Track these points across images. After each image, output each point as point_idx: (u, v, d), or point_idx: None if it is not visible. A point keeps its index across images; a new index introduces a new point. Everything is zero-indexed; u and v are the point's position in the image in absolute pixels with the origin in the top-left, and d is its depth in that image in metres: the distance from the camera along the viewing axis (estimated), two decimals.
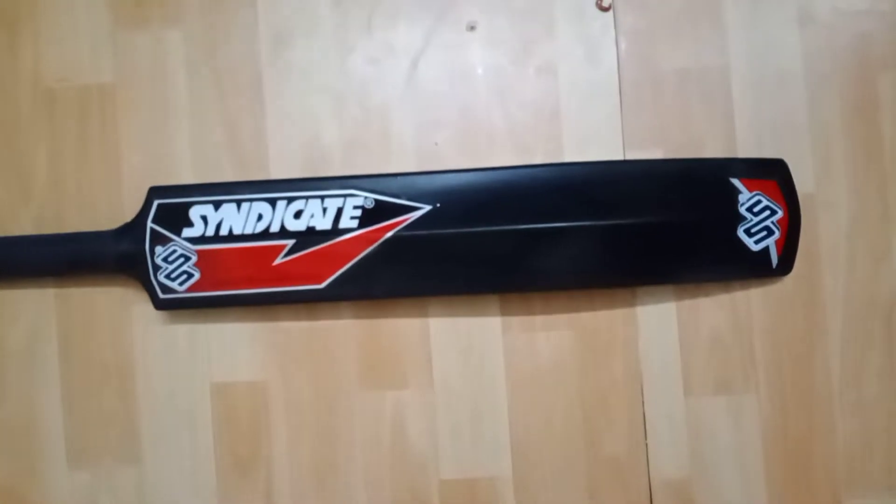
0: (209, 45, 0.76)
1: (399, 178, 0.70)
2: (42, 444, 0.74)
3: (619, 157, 0.74)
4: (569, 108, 0.75)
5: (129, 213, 0.73)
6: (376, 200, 0.70)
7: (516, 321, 0.74)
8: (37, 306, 0.75)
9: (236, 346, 0.74)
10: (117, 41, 0.76)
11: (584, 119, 0.75)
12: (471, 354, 0.74)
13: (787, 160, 0.72)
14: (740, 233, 0.70)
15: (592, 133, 0.75)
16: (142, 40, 0.76)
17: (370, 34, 0.76)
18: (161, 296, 0.70)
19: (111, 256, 0.70)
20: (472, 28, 0.76)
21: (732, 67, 0.75)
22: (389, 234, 0.69)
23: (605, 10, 0.75)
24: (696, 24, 0.75)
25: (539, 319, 0.74)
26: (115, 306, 0.74)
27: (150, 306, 0.72)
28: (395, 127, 0.75)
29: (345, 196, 0.70)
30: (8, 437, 0.74)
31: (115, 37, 0.76)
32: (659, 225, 0.70)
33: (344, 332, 0.74)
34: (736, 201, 0.70)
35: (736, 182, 0.70)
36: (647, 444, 0.73)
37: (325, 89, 0.76)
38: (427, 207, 0.69)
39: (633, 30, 0.75)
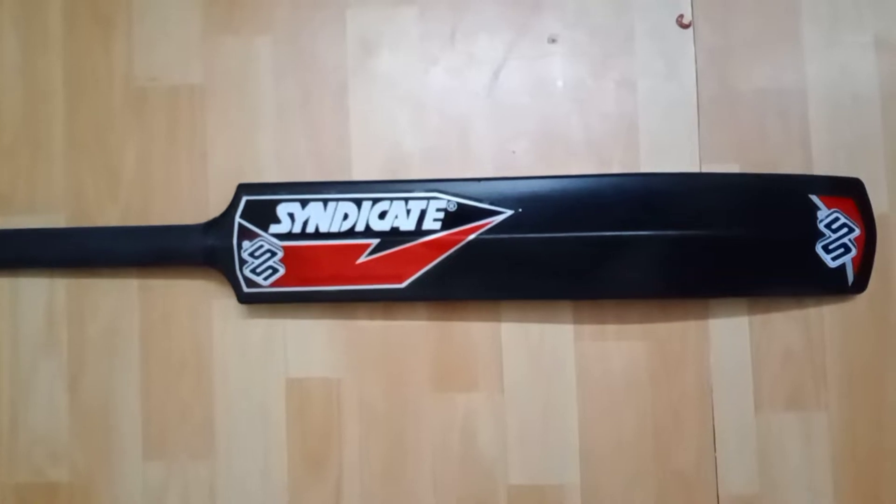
0: (297, 52, 0.78)
1: (482, 182, 0.72)
2: (118, 434, 0.76)
3: (695, 171, 0.75)
4: (647, 121, 0.76)
5: (213, 210, 0.75)
6: (459, 204, 0.71)
7: (589, 329, 0.75)
8: (119, 297, 0.77)
9: (313, 343, 0.75)
10: (208, 44, 0.79)
11: (661, 132, 0.76)
12: (542, 360, 0.75)
13: (864, 179, 0.72)
14: (818, 249, 0.70)
15: (669, 146, 0.76)
16: (232, 44, 0.78)
17: (453, 46, 0.78)
18: (245, 289, 0.72)
19: (199, 249, 0.72)
20: (553, 41, 0.77)
21: (809, 88, 0.76)
22: (471, 237, 0.70)
23: (686, 27, 0.76)
24: (775, 45, 0.76)
25: (611, 328, 0.75)
26: (197, 299, 0.76)
27: (230, 300, 0.74)
28: (475, 135, 0.77)
29: (428, 199, 0.71)
30: (85, 424, 0.76)
31: (206, 40, 0.79)
32: (735, 238, 0.70)
33: (418, 332, 0.75)
34: (815, 217, 0.70)
35: (815, 199, 0.71)
36: (716, 459, 0.73)
37: (407, 97, 0.78)
38: (508, 212, 0.71)
39: (712, 47, 0.76)
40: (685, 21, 0.77)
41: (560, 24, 0.78)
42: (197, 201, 0.77)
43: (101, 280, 0.77)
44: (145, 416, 0.76)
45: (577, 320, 0.75)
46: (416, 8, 0.78)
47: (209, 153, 0.78)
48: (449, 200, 0.71)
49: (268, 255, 0.72)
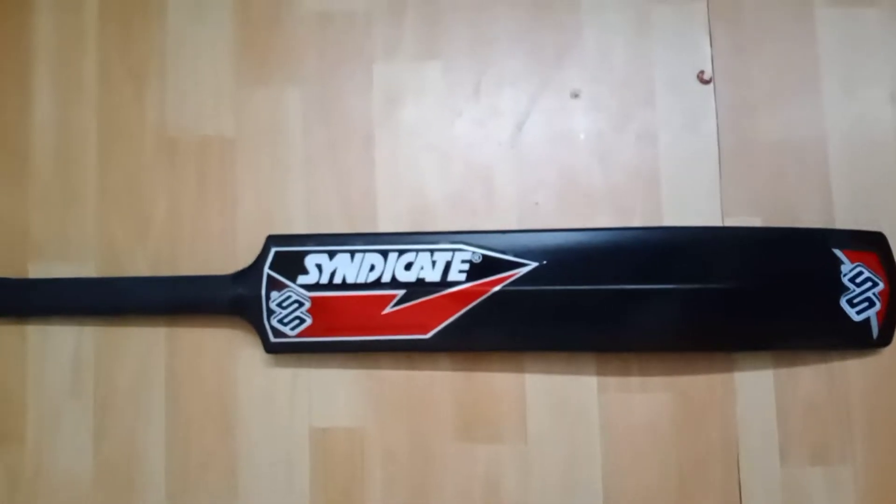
0: (325, 104, 0.80)
1: (506, 234, 0.73)
2: (141, 482, 0.76)
3: (717, 223, 0.76)
4: (668, 173, 0.77)
5: (241, 260, 0.76)
6: (484, 256, 0.72)
7: (613, 381, 0.75)
8: (147, 345, 0.77)
9: (337, 392, 0.76)
10: (239, 96, 0.81)
11: (683, 185, 0.77)
12: (566, 411, 0.75)
13: (884, 230, 0.73)
14: (843, 303, 0.71)
15: (691, 199, 0.77)
16: (262, 96, 0.80)
17: (478, 98, 0.80)
18: (272, 339, 0.73)
19: (227, 299, 0.73)
20: (576, 95, 0.79)
21: (829, 140, 0.77)
22: (496, 288, 0.71)
23: (707, 83, 0.78)
24: (794, 98, 0.78)
25: (635, 380, 0.75)
26: (223, 349, 0.77)
27: (256, 349, 0.75)
28: (498, 186, 0.78)
29: (454, 250, 0.72)
30: (109, 472, 0.76)
31: (236, 92, 0.81)
32: (759, 292, 0.71)
33: (442, 383, 0.76)
34: (839, 271, 0.71)
35: (838, 252, 0.71)
36: None
37: (432, 149, 0.79)
38: (533, 264, 0.71)
39: (732, 102, 0.78)
40: (706, 77, 0.78)
41: (582, 78, 0.79)
42: (226, 251, 0.78)
43: (130, 328, 0.78)
44: (169, 463, 0.76)
45: (601, 372, 0.75)
46: (441, 61, 0.80)
47: (238, 204, 0.79)
48: (474, 252, 0.72)
49: (295, 305, 0.73)
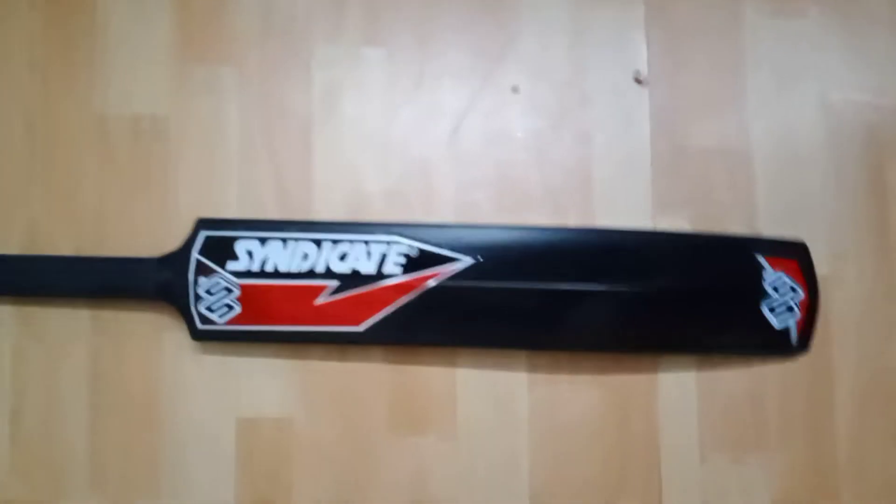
0: (263, 87, 0.78)
1: (444, 228, 0.73)
2: (62, 469, 0.73)
3: (648, 225, 0.78)
4: (602, 174, 0.78)
5: (170, 244, 0.74)
6: (420, 249, 0.72)
7: (542, 378, 0.76)
8: (69, 328, 0.75)
9: (266, 382, 0.75)
10: (174, 74, 0.78)
11: (616, 186, 0.78)
12: (496, 407, 0.76)
13: (804, 239, 0.75)
14: (764, 309, 0.73)
15: (624, 200, 0.78)
16: (198, 75, 0.78)
17: (419, 90, 0.79)
18: (200, 326, 0.71)
19: (153, 284, 0.71)
20: (516, 90, 0.79)
21: (756, 147, 0.79)
22: (431, 283, 0.71)
23: (641, 83, 0.79)
24: (724, 105, 0.79)
25: (564, 378, 0.76)
26: (148, 334, 0.75)
27: (183, 336, 0.73)
28: (436, 180, 0.78)
29: (390, 242, 0.72)
30: (27, 458, 0.74)
31: (171, 70, 0.78)
32: (684, 295, 0.73)
33: (373, 375, 0.75)
34: (762, 278, 0.73)
35: (761, 259, 0.73)
36: None
37: (371, 141, 0.78)
38: (469, 260, 0.72)
39: (665, 105, 0.79)
40: (641, 78, 0.79)
41: (522, 74, 0.79)
42: (155, 234, 0.75)
43: (50, 310, 0.75)
44: (91, 450, 0.74)
45: (532, 369, 0.76)
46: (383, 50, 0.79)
47: (170, 186, 0.76)
48: (410, 245, 0.72)
49: (224, 292, 0.71)
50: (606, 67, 0.80)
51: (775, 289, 0.73)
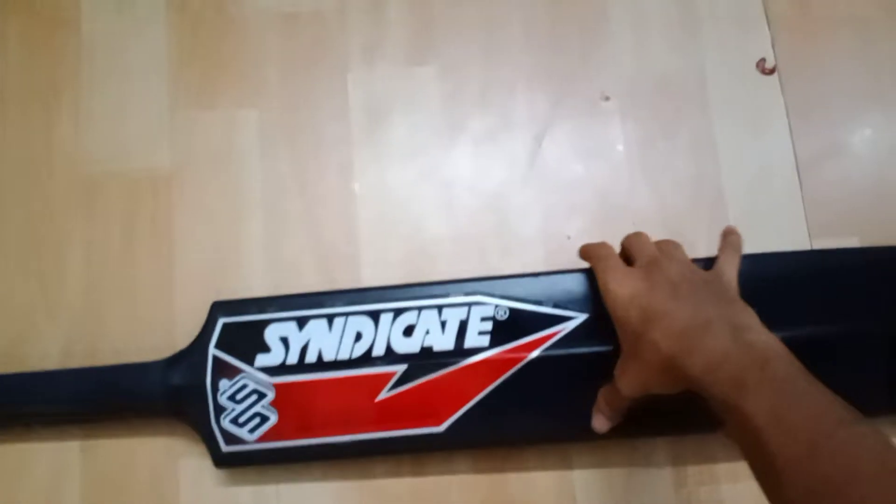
0: (288, 125, 0.62)
1: (539, 278, 0.54)
2: None
3: (805, 246, 0.59)
4: (734, 189, 0.60)
5: (180, 338, 0.56)
6: (511, 309, 0.52)
7: (694, 472, 0.55)
8: (57, 460, 0.56)
9: None
10: (176, 121, 0.62)
11: (754, 202, 0.60)
12: None
13: None
14: None
15: (767, 218, 0.60)
16: (207, 120, 0.62)
17: (484, 107, 0.62)
18: (224, 448, 0.52)
19: (159, 395, 0.52)
20: (607, 98, 0.62)
21: None
22: (534, 353, 0.52)
23: (770, 73, 0.61)
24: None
25: (722, 468, 0.55)
26: (158, 462, 0.56)
27: (204, 463, 0.54)
28: (515, 217, 0.60)
29: (469, 304, 0.53)
30: None
31: (173, 114, 0.62)
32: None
33: (460, 490, 0.55)
34: None
35: None
36: None
37: (429, 174, 0.61)
38: (581, 316, 0.52)
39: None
40: (768, 66, 0.62)
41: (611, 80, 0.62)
42: (160, 325, 0.58)
43: (33, 441, 0.57)
44: None
45: (677, 462, 0.55)
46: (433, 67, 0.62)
47: (176, 258, 0.60)
48: (497, 306, 0.53)
49: (254, 397, 0.52)
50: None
51: None
